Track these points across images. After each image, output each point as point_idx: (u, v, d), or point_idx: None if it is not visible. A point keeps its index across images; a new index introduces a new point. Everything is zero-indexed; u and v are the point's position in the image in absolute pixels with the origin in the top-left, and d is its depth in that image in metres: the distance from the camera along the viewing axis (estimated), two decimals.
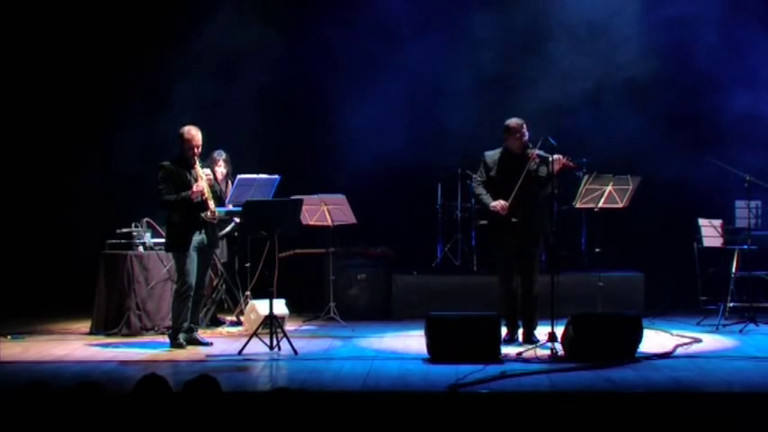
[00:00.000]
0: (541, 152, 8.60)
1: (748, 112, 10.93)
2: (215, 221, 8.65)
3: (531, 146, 8.65)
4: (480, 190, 8.79)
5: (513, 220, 8.58)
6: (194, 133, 8.57)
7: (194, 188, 8.45)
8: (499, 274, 8.84)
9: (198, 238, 8.54)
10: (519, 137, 8.64)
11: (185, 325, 8.60)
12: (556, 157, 8.45)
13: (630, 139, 11.06)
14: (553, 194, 8.58)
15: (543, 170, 8.65)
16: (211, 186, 8.59)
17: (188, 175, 8.55)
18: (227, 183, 9.92)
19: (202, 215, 8.50)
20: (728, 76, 11.12)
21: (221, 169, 9.85)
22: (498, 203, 8.60)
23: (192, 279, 8.53)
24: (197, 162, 8.59)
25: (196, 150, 8.56)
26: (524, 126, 8.68)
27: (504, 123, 8.74)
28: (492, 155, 8.79)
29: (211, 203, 8.51)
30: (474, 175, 8.97)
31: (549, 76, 11.33)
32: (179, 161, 8.58)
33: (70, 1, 11.51)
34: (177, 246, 8.56)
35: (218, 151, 9.90)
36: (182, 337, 8.56)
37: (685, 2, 10.98)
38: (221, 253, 9.87)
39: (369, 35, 11.27)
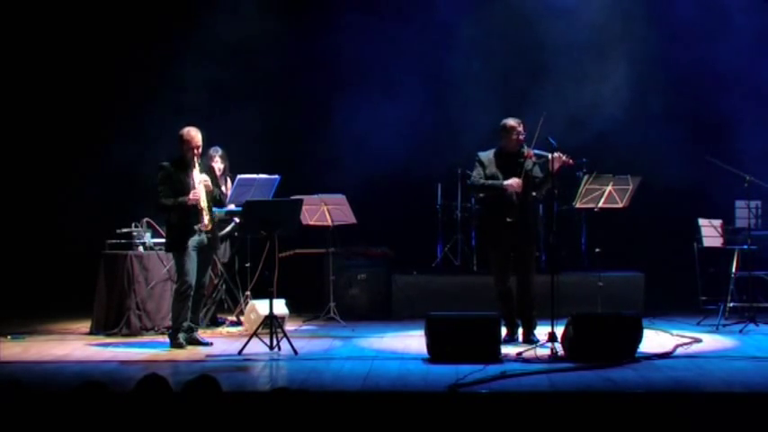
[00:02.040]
0: (538, 151, 8.58)
1: (751, 114, 11.00)
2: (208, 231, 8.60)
3: (526, 146, 8.63)
4: (483, 180, 8.72)
5: (508, 220, 8.57)
6: (194, 134, 8.56)
7: (191, 195, 8.44)
8: (494, 275, 8.82)
9: (198, 238, 8.54)
10: (516, 136, 8.63)
11: (185, 324, 8.60)
12: (555, 155, 8.43)
13: (631, 139, 11.06)
14: (553, 194, 8.58)
15: (538, 170, 8.64)
16: (210, 192, 8.57)
17: (187, 177, 8.54)
18: (225, 180, 9.92)
19: (196, 227, 8.49)
20: (732, 77, 11.14)
21: (218, 165, 9.85)
22: (513, 180, 8.55)
23: (192, 279, 8.52)
24: (197, 165, 8.58)
25: (196, 151, 8.56)
26: (521, 125, 8.66)
27: (501, 122, 8.73)
28: (486, 154, 8.78)
29: (206, 217, 8.49)
30: (472, 174, 8.89)
31: (550, 76, 11.34)
32: (179, 162, 8.58)
33: (68, 2, 11.52)
34: (177, 246, 8.56)
35: (213, 147, 9.89)
36: (181, 336, 8.56)
37: (691, 4, 11.03)
38: (222, 253, 9.88)
39: (370, 35, 11.28)
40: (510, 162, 8.65)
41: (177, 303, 8.58)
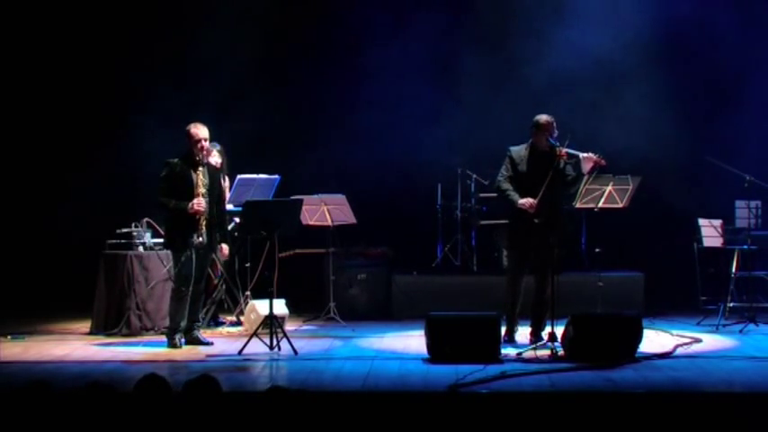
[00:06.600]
0: (570, 150, 8.41)
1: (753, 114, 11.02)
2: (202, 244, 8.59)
3: (558, 144, 8.43)
4: (506, 185, 8.53)
5: (536, 221, 8.37)
6: (200, 127, 8.55)
7: (195, 205, 8.42)
8: (511, 275, 8.71)
9: (197, 240, 8.51)
10: (548, 134, 8.43)
11: (183, 324, 8.61)
12: (585, 155, 8.34)
13: (631, 138, 11.06)
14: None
15: (570, 169, 8.49)
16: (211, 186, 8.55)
17: (193, 174, 8.51)
18: (224, 177, 9.87)
19: (192, 237, 8.46)
20: (735, 75, 11.15)
21: (215, 159, 9.78)
22: (527, 201, 8.36)
23: (190, 279, 8.52)
24: (203, 163, 8.56)
25: (204, 144, 8.53)
26: (554, 123, 8.45)
27: (534, 119, 8.49)
28: (518, 150, 8.56)
29: (203, 230, 8.47)
30: (500, 171, 8.63)
31: (551, 75, 11.32)
32: (185, 159, 8.56)
33: (68, 1, 11.53)
34: (176, 245, 8.57)
35: (211, 143, 9.82)
36: (177, 337, 8.57)
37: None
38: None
39: (371, 34, 11.27)
40: (542, 161, 8.42)
41: (174, 303, 8.61)
